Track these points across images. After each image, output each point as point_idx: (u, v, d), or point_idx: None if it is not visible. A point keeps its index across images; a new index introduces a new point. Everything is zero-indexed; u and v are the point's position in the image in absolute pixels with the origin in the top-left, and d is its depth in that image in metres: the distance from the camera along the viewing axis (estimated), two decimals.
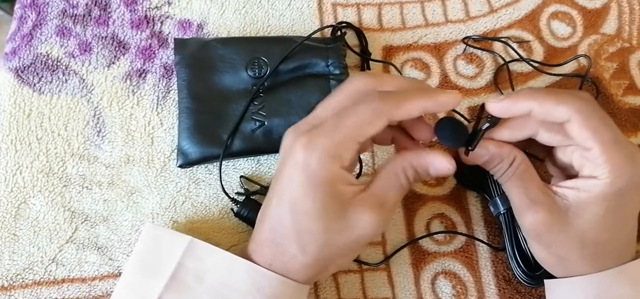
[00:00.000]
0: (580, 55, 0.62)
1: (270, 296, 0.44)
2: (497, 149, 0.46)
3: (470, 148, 0.45)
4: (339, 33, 0.61)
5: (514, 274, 0.54)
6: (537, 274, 0.52)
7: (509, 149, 0.46)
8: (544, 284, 0.52)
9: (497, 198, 0.53)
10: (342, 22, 0.62)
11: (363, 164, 0.57)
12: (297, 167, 0.42)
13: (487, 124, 0.45)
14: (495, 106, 0.44)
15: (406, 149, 0.48)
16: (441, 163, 0.44)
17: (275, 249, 0.44)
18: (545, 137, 0.46)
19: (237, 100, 0.56)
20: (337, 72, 0.58)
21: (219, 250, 0.46)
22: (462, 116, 0.60)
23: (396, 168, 0.44)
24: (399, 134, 0.48)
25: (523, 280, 0.53)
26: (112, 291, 0.53)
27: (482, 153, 0.46)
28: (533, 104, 0.43)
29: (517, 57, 0.62)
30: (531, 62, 0.62)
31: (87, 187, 0.56)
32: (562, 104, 0.43)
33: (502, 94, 0.60)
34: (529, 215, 0.45)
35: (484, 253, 0.55)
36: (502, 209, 0.53)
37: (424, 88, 0.48)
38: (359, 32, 0.62)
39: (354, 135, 0.42)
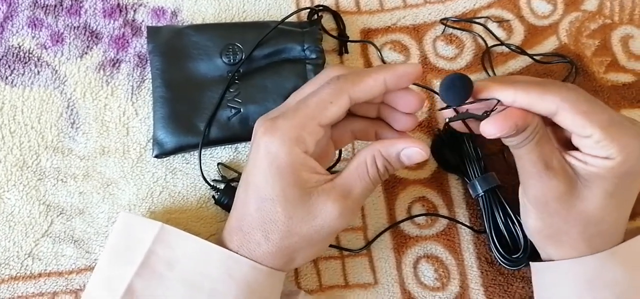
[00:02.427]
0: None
1: (241, 282, 0.43)
2: (522, 120, 0.41)
3: (486, 113, 0.42)
4: (315, 16, 0.60)
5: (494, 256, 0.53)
6: (515, 257, 0.51)
7: (530, 117, 0.41)
8: (523, 266, 0.51)
9: (476, 180, 0.53)
10: (318, 6, 0.61)
11: (342, 156, 0.56)
12: (259, 153, 0.41)
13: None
14: (485, 93, 0.43)
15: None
16: (412, 150, 0.42)
17: (242, 237, 0.43)
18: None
19: (212, 88, 0.55)
20: (313, 56, 0.57)
21: (190, 236, 0.45)
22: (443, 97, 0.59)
23: (365, 158, 0.42)
24: (382, 127, 0.47)
25: (502, 263, 0.52)
26: None
27: (505, 126, 0.41)
28: (517, 96, 0.41)
29: (497, 39, 0.61)
30: (510, 46, 0.61)
31: (62, 180, 0.55)
32: (548, 94, 0.41)
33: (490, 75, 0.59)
34: (541, 181, 0.43)
35: (466, 235, 0.55)
36: (480, 191, 0.52)
37: (386, 65, 0.47)
38: (336, 15, 0.61)
39: (315, 115, 0.41)
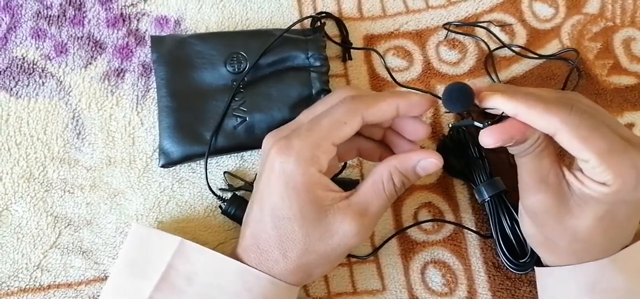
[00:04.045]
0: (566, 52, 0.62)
1: (259, 296, 0.43)
2: (521, 134, 0.42)
3: (488, 123, 0.43)
4: (318, 24, 0.61)
5: (501, 261, 0.53)
6: (522, 261, 0.52)
7: (530, 131, 0.42)
8: (530, 270, 0.52)
9: (482, 185, 0.53)
10: (321, 13, 0.61)
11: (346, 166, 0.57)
12: (273, 173, 0.42)
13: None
14: (488, 102, 0.43)
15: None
16: (428, 162, 0.43)
17: (260, 255, 0.43)
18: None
19: (217, 97, 0.55)
20: (317, 64, 0.57)
21: (209, 251, 0.45)
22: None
23: (381, 175, 0.43)
24: (386, 151, 0.48)
25: (509, 267, 0.52)
26: (98, 295, 0.52)
27: (501, 138, 0.42)
28: (518, 109, 0.41)
29: (499, 43, 0.61)
30: (512, 47, 0.61)
31: (69, 191, 0.55)
32: (549, 114, 0.41)
33: (494, 81, 0.60)
34: (534, 194, 0.45)
35: (472, 240, 0.55)
36: (486, 196, 0.53)
37: (399, 91, 0.48)
38: (339, 22, 0.61)
39: (329, 135, 0.41)
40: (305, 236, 0.41)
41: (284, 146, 0.41)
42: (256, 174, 0.47)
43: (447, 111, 0.45)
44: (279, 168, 0.41)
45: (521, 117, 0.42)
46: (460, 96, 0.43)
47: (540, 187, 0.44)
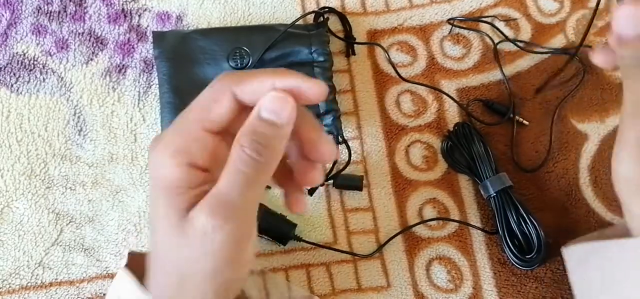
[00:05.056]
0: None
1: None
2: None
3: None
4: (321, 19, 0.60)
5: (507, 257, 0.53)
6: (528, 257, 0.51)
7: None
8: (537, 266, 0.51)
9: (487, 181, 0.53)
10: (324, 8, 0.61)
11: (352, 152, 0.56)
12: (149, 174, 0.34)
13: None
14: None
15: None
16: (269, 98, 0.33)
17: (148, 274, 0.37)
18: None
19: None
20: (321, 59, 0.56)
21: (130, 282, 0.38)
22: (452, 98, 0.59)
23: (232, 151, 0.33)
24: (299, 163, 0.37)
25: (515, 263, 0.52)
26: (100, 293, 0.52)
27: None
28: None
29: (504, 37, 0.61)
30: (517, 42, 0.61)
31: (70, 188, 0.55)
32: None
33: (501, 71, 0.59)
34: None
35: (477, 236, 0.55)
36: (492, 192, 0.52)
37: (280, 69, 0.36)
38: (343, 17, 0.61)
39: (198, 118, 0.33)
40: (169, 246, 0.33)
41: (154, 141, 0.34)
42: None
43: None
44: (150, 166, 0.34)
45: None
46: None
47: None
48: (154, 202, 0.33)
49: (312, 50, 0.56)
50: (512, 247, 0.52)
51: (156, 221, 0.33)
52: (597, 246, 0.46)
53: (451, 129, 0.57)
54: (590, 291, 0.46)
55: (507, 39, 0.61)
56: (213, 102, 0.33)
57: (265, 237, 0.53)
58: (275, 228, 0.53)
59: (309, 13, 0.60)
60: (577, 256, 0.48)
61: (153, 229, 0.34)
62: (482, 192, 0.54)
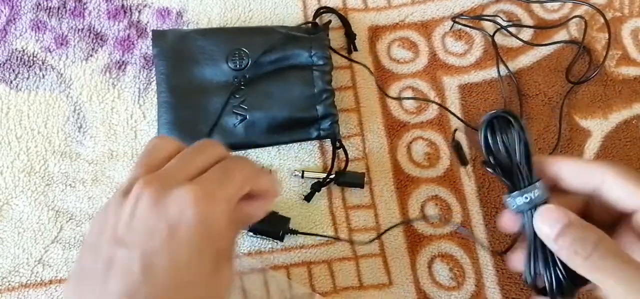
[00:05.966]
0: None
1: None
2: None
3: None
4: (319, 19, 0.59)
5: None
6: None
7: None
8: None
9: (523, 192, 0.38)
10: (320, 8, 0.60)
11: (353, 150, 0.56)
12: (186, 224, 0.34)
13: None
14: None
15: None
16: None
17: None
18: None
19: (218, 93, 0.54)
20: (320, 63, 0.56)
21: None
22: (455, 115, 0.58)
23: None
24: None
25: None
26: None
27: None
28: (565, 164, 0.38)
29: (506, 32, 0.60)
30: (521, 38, 0.60)
31: (70, 185, 0.54)
32: (592, 164, 0.38)
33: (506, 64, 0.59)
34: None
35: (480, 233, 0.54)
36: (526, 207, 0.38)
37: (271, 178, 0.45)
38: (342, 17, 0.60)
39: (242, 188, 0.37)
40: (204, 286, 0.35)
41: (207, 194, 0.35)
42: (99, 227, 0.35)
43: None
44: (200, 218, 0.34)
45: (565, 171, 0.38)
46: None
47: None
48: (199, 249, 0.34)
49: (312, 54, 0.56)
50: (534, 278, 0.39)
51: (195, 269, 0.34)
52: None
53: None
54: None
55: (510, 34, 0.60)
56: (252, 178, 0.38)
57: (262, 237, 0.53)
58: (270, 226, 0.53)
59: (308, 23, 0.60)
60: None
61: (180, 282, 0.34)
62: (509, 203, 0.39)
